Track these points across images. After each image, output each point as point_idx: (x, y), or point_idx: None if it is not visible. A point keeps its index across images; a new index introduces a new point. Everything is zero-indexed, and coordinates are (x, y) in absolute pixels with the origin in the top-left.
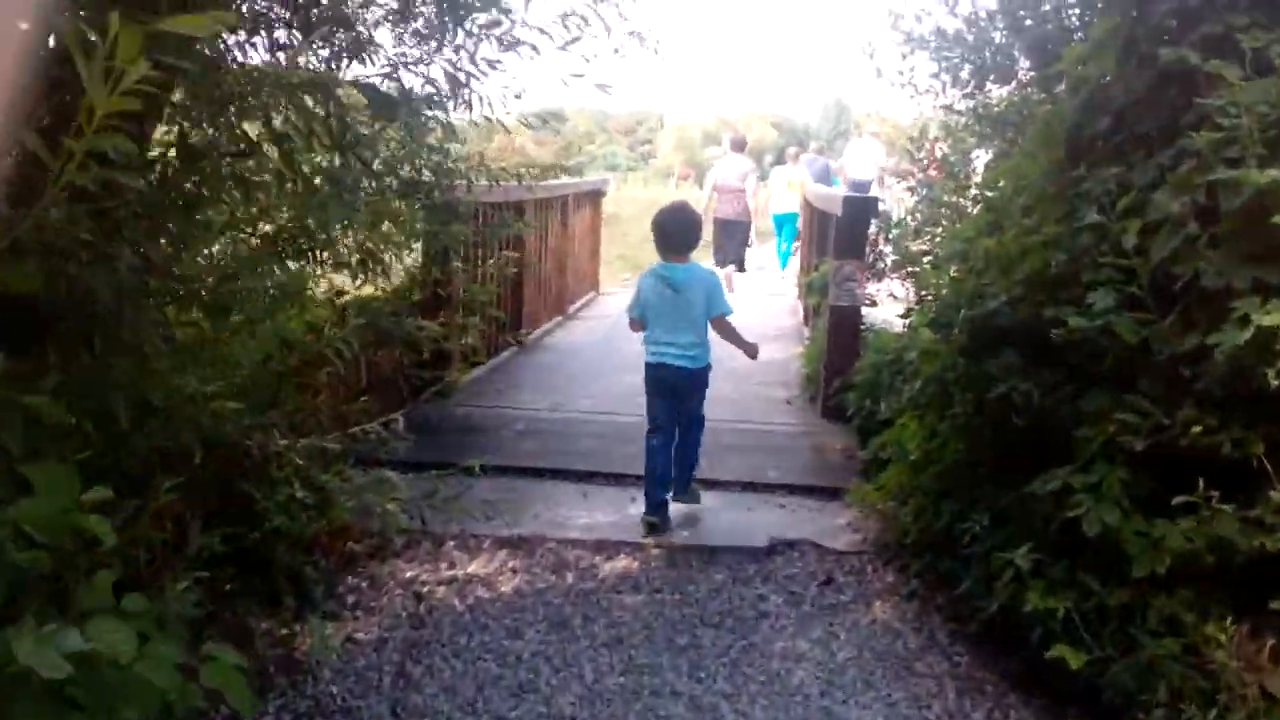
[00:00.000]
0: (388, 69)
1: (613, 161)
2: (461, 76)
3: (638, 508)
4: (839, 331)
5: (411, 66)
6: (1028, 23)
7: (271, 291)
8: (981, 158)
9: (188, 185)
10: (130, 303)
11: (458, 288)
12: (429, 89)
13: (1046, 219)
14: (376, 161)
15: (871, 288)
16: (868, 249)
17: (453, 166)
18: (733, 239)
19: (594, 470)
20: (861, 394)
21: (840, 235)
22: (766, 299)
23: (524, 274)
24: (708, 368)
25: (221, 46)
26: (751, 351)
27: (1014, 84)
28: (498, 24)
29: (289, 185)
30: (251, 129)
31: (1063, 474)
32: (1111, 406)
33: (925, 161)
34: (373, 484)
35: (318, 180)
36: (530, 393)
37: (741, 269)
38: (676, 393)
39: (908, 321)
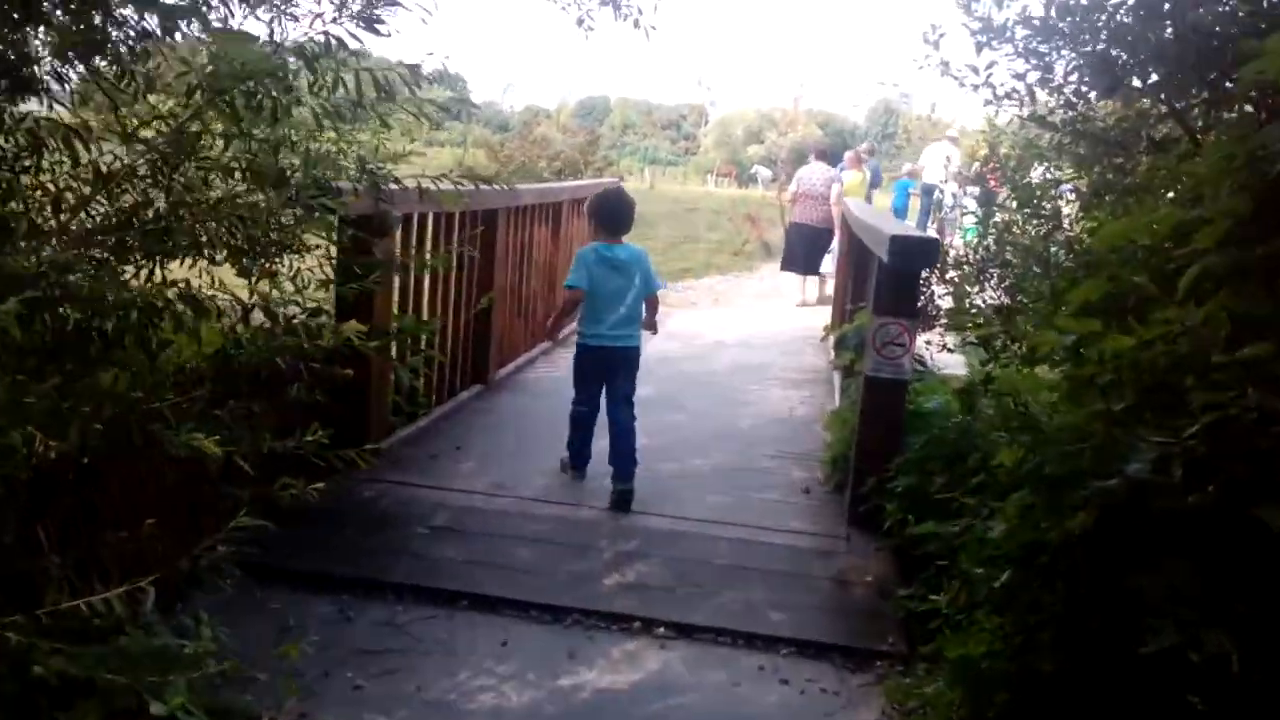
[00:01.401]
0: None
1: (653, 156)
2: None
3: (573, 673)
4: (877, 412)
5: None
6: (1165, 6)
7: None
8: (1067, 185)
9: None
10: None
11: (384, 322)
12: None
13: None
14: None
15: (920, 339)
16: (920, 299)
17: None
18: (814, 246)
19: (525, 600)
20: (903, 506)
21: (884, 285)
22: (800, 321)
23: (493, 298)
24: (640, 347)
25: None
26: (652, 328)
27: (1121, 91)
28: None
29: None
30: None
31: None
32: None
33: (988, 174)
34: (153, 653)
35: None
36: (472, 461)
37: (817, 273)
38: (613, 374)
39: (968, 385)
